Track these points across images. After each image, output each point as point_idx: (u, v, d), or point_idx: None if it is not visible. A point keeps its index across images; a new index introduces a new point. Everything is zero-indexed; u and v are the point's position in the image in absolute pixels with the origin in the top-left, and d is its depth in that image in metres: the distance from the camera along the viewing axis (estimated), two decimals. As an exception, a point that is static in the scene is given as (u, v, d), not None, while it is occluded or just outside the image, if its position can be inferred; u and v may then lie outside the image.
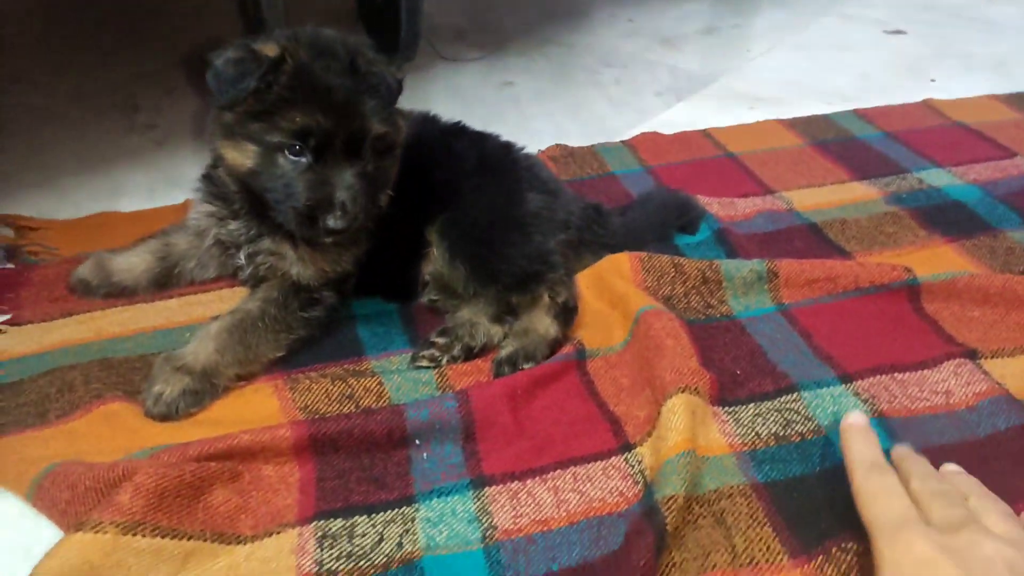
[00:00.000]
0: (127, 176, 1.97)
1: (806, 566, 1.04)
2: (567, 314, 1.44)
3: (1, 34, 2.78)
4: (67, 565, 0.95)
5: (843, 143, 2.17)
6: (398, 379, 1.35)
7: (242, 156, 1.32)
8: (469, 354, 1.40)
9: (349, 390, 1.31)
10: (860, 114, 2.35)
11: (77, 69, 2.52)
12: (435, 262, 1.47)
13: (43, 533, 1.07)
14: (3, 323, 1.44)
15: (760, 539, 1.07)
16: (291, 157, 1.29)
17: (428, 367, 1.38)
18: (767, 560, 1.05)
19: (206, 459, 1.11)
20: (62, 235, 1.71)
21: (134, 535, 1.00)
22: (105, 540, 0.98)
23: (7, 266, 1.61)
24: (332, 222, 1.28)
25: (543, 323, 1.41)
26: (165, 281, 1.54)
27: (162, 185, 1.92)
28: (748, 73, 2.72)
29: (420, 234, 1.48)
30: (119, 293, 1.51)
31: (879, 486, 1.01)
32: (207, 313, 1.45)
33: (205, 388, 1.27)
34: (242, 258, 1.45)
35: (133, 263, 1.53)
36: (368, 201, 1.33)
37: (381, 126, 1.32)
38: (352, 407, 1.28)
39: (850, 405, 1.29)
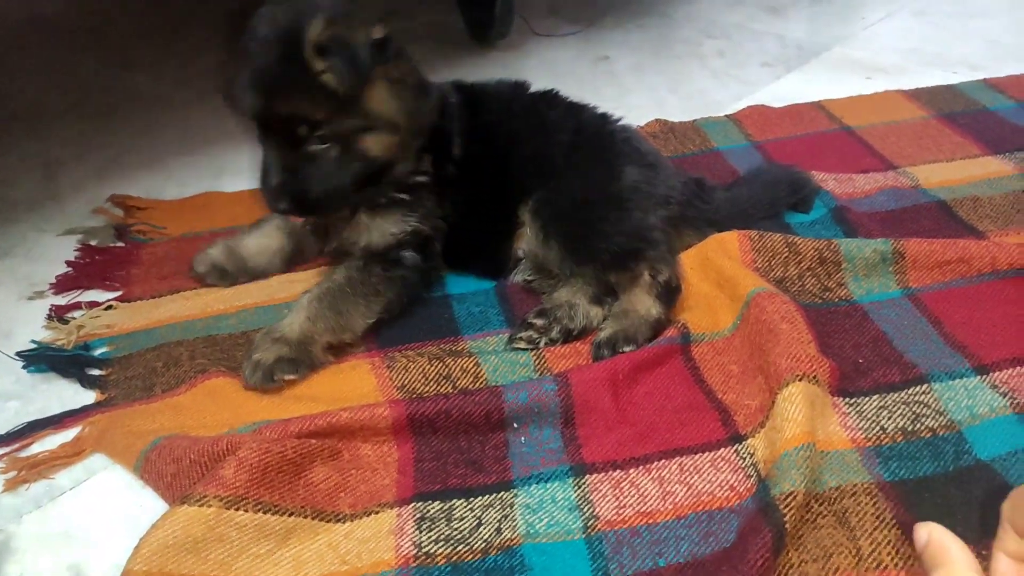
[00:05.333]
0: (230, 156, 2.00)
1: (940, 573, 0.95)
2: (669, 294, 1.36)
3: (110, 22, 2.89)
4: (171, 537, 0.96)
5: (972, 115, 2.00)
6: (495, 360, 1.31)
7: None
8: (568, 336, 1.35)
9: (446, 370, 1.28)
10: (991, 84, 2.16)
11: (180, 54, 2.59)
12: (528, 241, 1.43)
13: (148, 505, 1.10)
14: (114, 299, 1.48)
15: (888, 542, 0.98)
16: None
17: (526, 349, 1.33)
18: (895, 564, 0.96)
19: (307, 436, 1.11)
20: (168, 215, 1.76)
21: (237, 509, 1.00)
22: (209, 514, 0.98)
23: (117, 244, 1.66)
24: (276, 204, 1.30)
25: (644, 303, 1.35)
26: (296, 259, 1.54)
27: (263, 166, 1.95)
28: (863, 41, 2.54)
29: (512, 211, 1.44)
30: (254, 277, 1.50)
31: None
32: (305, 289, 1.46)
33: (301, 357, 1.27)
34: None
35: (265, 244, 1.52)
36: (326, 183, 1.29)
37: (320, 111, 1.25)
38: (449, 387, 1.26)
39: (986, 399, 1.18)
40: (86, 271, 1.57)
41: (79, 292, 1.52)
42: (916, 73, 2.27)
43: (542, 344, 1.34)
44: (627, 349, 1.29)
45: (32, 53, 2.64)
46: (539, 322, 1.35)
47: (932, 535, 0.87)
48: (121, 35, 2.78)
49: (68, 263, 1.59)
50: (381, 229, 1.40)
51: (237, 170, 1.94)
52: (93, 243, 1.66)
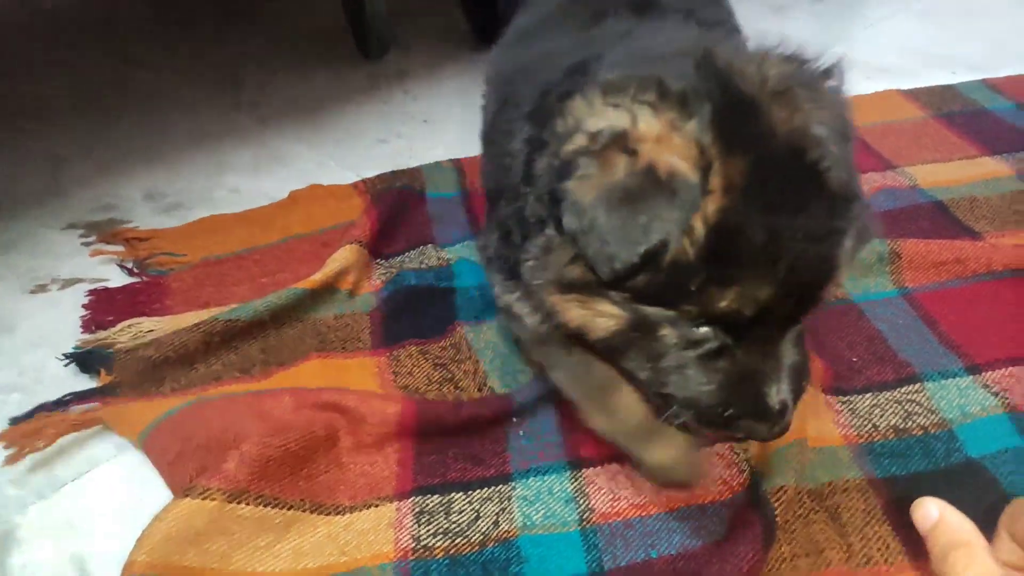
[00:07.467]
0: (233, 152, 2.02)
1: (928, 568, 0.96)
2: None
3: (114, 17, 2.91)
4: (174, 529, 0.98)
5: (971, 115, 2.01)
6: (490, 354, 1.31)
7: (596, 319, 0.86)
8: None
9: (450, 375, 1.29)
10: (990, 84, 2.16)
11: (184, 50, 2.61)
12: None
13: (150, 496, 1.11)
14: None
15: (878, 537, 1.00)
16: (686, 330, 0.83)
17: None
18: (885, 560, 0.98)
19: (313, 406, 1.14)
20: (174, 243, 1.62)
21: (239, 503, 1.02)
22: (211, 507, 1.00)
23: (139, 280, 1.53)
24: (764, 431, 0.86)
25: None
26: None
27: (266, 161, 1.96)
28: (866, 41, 2.54)
29: None
30: None
31: None
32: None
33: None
34: None
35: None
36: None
37: (847, 267, 0.87)
38: (451, 387, 1.26)
39: (978, 398, 1.19)
40: (113, 310, 1.43)
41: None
42: (918, 73, 2.27)
43: None
44: None
45: (38, 48, 2.65)
46: None
47: (946, 516, 0.76)
48: (127, 30, 2.79)
49: (85, 307, 1.46)
50: None
51: (240, 166, 1.95)
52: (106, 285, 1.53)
